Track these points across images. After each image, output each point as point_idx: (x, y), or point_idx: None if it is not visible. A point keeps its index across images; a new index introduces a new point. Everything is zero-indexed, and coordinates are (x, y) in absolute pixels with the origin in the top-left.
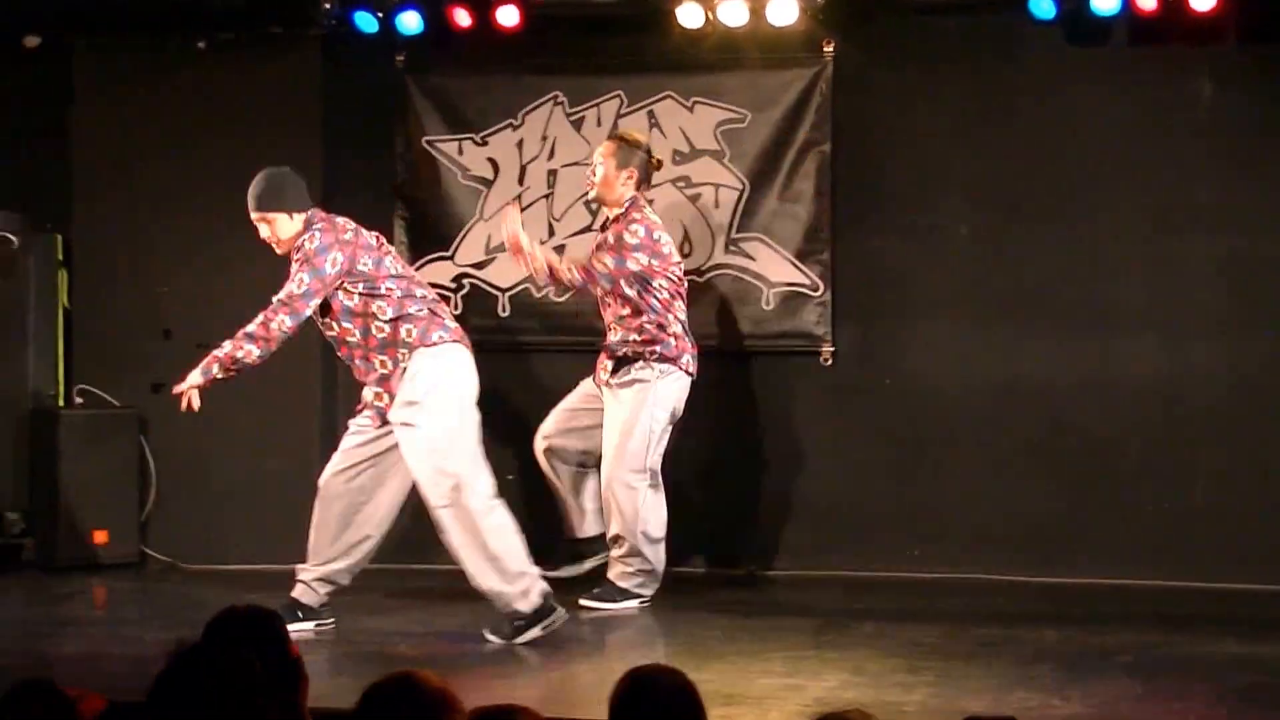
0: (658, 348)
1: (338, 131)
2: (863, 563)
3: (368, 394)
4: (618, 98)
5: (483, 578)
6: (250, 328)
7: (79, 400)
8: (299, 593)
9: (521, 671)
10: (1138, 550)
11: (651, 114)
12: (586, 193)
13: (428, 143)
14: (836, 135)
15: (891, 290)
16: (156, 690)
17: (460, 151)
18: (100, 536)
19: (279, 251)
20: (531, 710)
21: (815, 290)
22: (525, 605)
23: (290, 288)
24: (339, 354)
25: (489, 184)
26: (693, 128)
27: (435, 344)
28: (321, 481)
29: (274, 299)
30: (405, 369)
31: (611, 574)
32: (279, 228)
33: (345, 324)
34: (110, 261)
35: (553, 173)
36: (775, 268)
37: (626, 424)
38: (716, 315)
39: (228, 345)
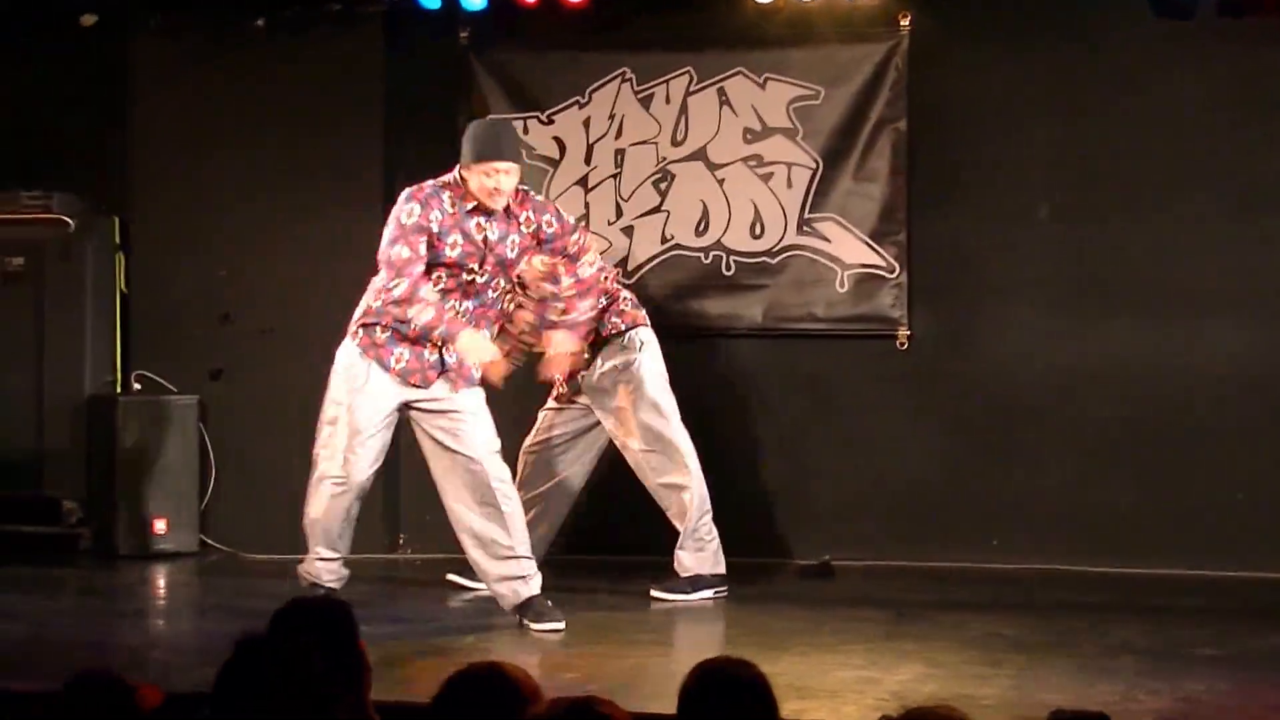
0: None
1: (400, 110)
2: (939, 552)
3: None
4: (687, 74)
5: None
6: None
7: (137, 387)
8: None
9: (590, 663)
10: (1222, 540)
11: (722, 91)
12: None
13: None
14: (913, 112)
15: (969, 272)
16: (221, 681)
17: (525, 130)
18: (159, 525)
19: (499, 205)
20: (610, 701)
21: (891, 272)
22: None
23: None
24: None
25: (555, 164)
26: (764, 105)
27: None
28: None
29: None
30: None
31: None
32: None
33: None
34: (168, 245)
35: (620, 152)
36: (850, 249)
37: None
38: (789, 298)
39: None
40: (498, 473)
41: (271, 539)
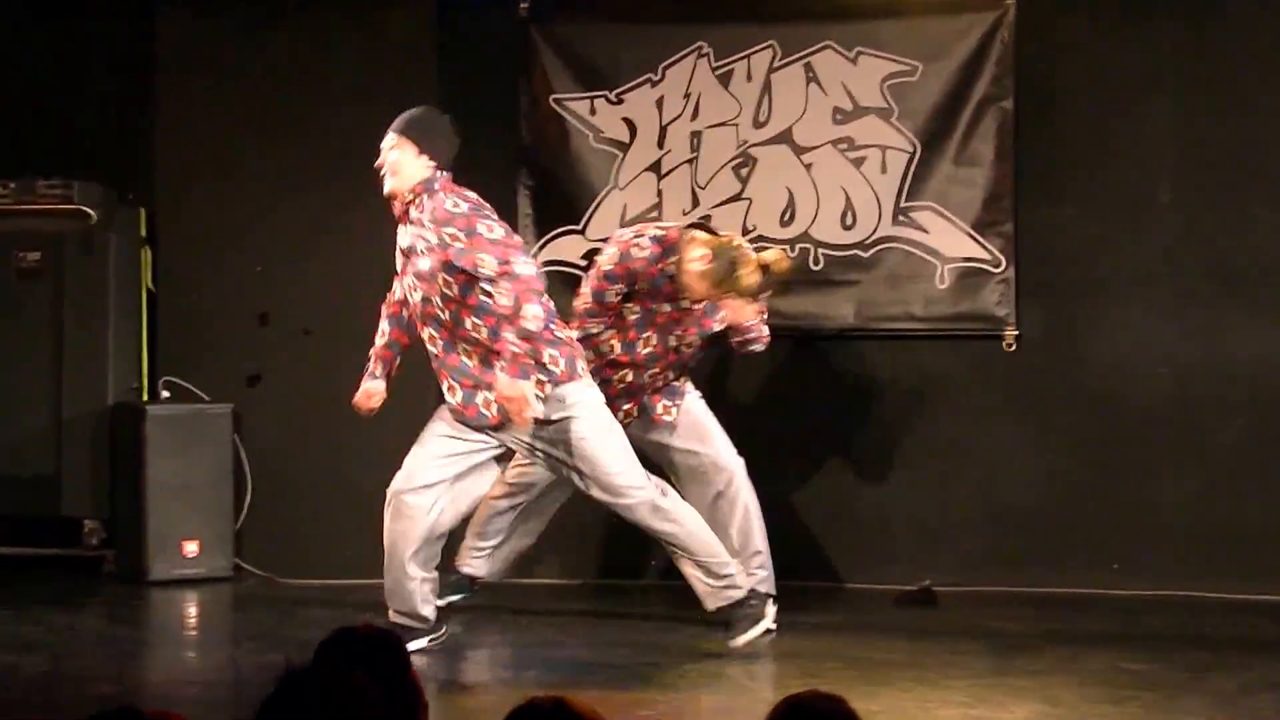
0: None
1: (454, 90)
2: (1053, 577)
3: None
4: (770, 49)
5: None
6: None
7: (165, 395)
8: None
9: (667, 697)
10: None
11: (809, 66)
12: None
13: (555, 102)
14: (1020, 89)
15: (1083, 265)
16: (261, 717)
17: (592, 111)
18: (189, 548)
19: (387, 187)
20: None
21: (996, 266)
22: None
23: (515, 269)
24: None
25: (625, 148)
26: (856, 82)
27: None
28: None
29: (498, 288)
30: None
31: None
32: (404, 159)
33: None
34: (199, 237)
35: (696, 134)
36: (950, 241)
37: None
38: (884, 295)
39: (518, 344)
40: None
41: (313, 562)
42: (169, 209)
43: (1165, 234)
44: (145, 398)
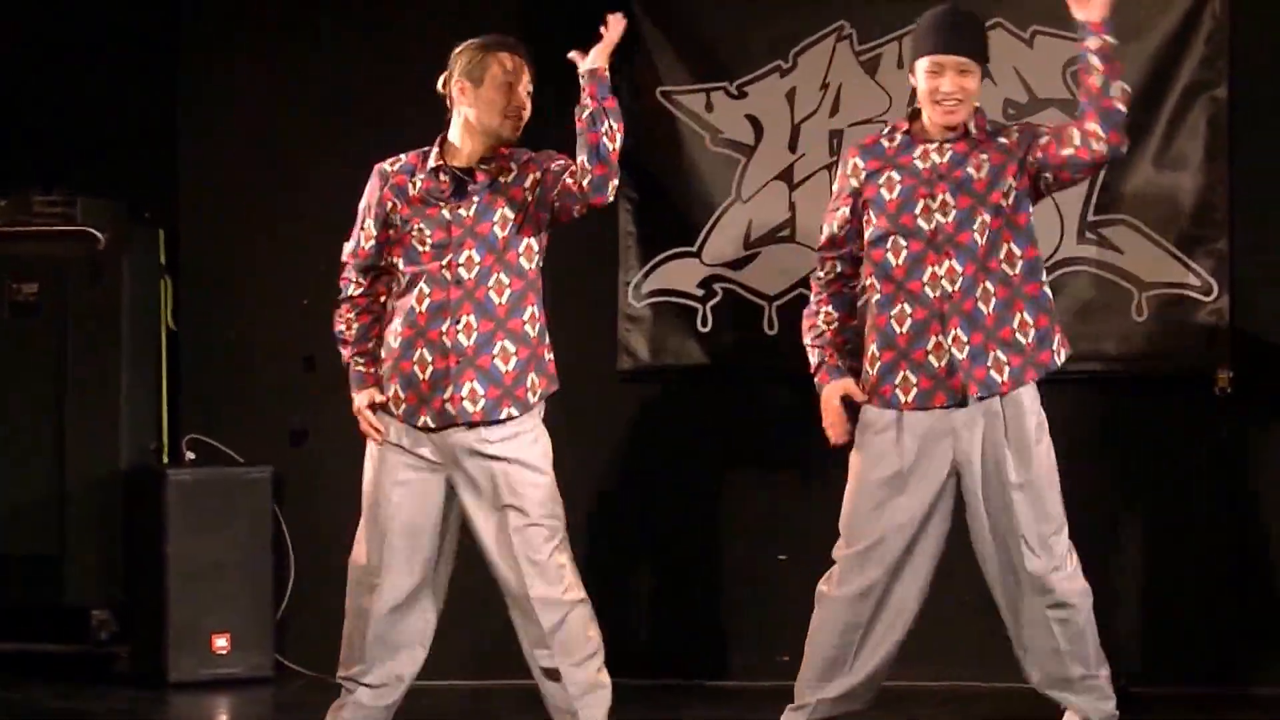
0: None
1: (539, 81)
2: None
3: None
4: None
5: None
6: None
7: (190, 456)
8: None
9: None
10: None
11: None
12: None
13: (663, 95)
14: (1236, 75)
15: None
16: None
17: (709, 107)
18: (220, 643)
19: (955, 119)
20: None
21: (1206, 293)
22: None
23: None
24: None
25: (749, 150)
26: (1032, 68)
27: None
28: None
29: None
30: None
31: None
32: (975, 87)
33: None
34: (231, 264)
35: (837, 134)
36: (1150, 262)
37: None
38: (1068, 329)
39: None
40: None
41: None
42: (194, 229)
43: None
44: (166, 460)
